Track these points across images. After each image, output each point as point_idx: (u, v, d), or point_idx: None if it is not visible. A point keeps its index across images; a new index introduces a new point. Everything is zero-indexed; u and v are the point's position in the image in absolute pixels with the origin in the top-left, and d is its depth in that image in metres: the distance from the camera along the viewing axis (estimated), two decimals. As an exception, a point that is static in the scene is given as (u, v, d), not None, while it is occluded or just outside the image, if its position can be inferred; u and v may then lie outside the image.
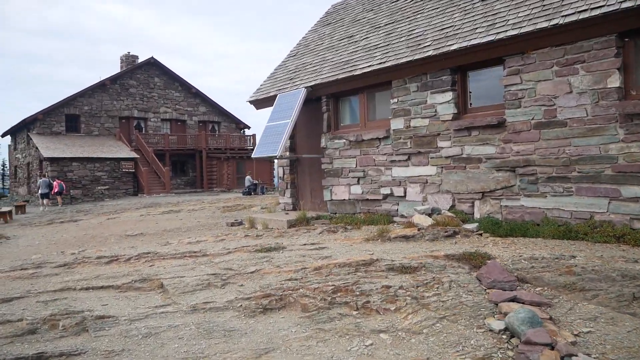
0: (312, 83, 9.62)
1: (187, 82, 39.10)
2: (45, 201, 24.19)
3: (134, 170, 32.05)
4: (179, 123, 39.22)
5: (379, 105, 9.16)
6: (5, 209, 19.11)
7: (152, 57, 37.41)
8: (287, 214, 9.91)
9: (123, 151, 32.62)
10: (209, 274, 5.22)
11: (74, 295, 5.16)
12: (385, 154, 8.64)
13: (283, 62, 11.92)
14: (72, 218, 17.34)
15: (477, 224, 6.86)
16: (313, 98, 9.92)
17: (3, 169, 50.52)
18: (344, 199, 9.39)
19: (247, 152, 38.34)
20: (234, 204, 15.72)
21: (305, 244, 6.75)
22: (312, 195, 10.34)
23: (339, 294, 4.23)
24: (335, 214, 9.55)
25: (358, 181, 9.12)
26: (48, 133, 33.22)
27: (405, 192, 8.31)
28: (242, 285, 4.88)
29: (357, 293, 4.21)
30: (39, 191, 24.41)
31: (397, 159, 8.40)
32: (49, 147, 30.59)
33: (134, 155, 32.33)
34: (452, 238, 6.47)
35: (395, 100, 8.43)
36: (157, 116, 37.83)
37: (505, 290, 4.06)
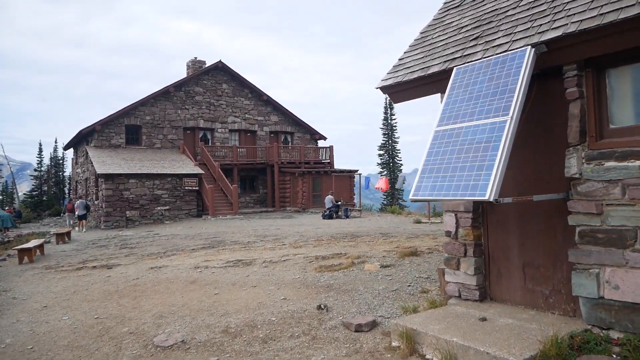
0: (548, 36, 4.30)
1: (257, 89, 34.84)
2: (84, 222, 24.22)
3: (197, 188, 27.86)
4: (249, 134, 34.96)
5: None
6: (33, 243, 15.06)
7: (220, 61, 33.44)
8: (482, 320, 4.57)
9: (186, 166, 28.56)
10: None
11: None
12: None
13: (438, 17, 6.63)
14: (109, 260, 12.86)
15: None
16: (536, 72, 4.58)
17: (70, 184, 48.62)
18: (646, 304, 3.94)
19: (323, 167, 33.46)
20: (328, 251, 10.54)
21: None
22: (528, 276, 4.92)
23: None
24: (608, 328, 4.13)
25: (697, 264, 3.67)
26: (106, 146, 29.78)
27: None
28: None
29: None
30: (76, 213, 24.31)
31: None
32: (104, 162, 26.98)
33: (198, 170, 28.17)
34: None
35: None
36: (225, 126, 33.75)
37: None
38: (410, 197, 4.47)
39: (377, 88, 6.07)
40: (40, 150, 52.12)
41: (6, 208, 41.76)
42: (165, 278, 9.48)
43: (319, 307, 6.17)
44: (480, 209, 5.32)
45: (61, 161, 53.06)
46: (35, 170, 51.99)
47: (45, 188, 52.02)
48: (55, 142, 54.14)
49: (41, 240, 15.99)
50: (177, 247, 13.77)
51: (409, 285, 7.11)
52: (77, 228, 24.03)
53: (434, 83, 5.44)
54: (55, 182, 52.85)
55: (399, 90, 5.95)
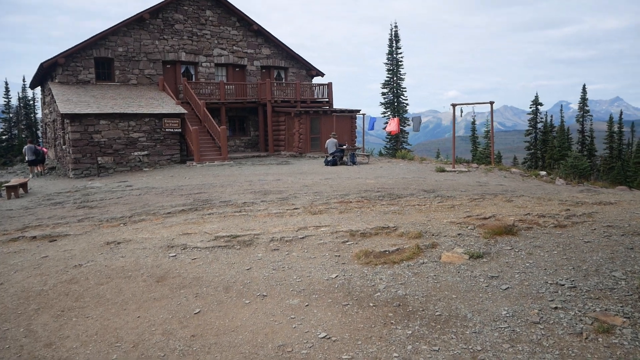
0: None
1: (247, 16, 30.46)
2: (35, 169, 23.22)
3: (180, 130, 24.20)
4: (237, 69, 30.90)
5: None
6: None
7: (203, -17, 28.84)
8: None
9: (167, 105, 24.75)
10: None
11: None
12: None
13: None
14: (55, 227, 9.49)
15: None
16: None
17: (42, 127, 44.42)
18: None
19: (321, 106, 29.74)
20: (366, 223, 7.17)
21: None
22: None
23: None
24: None
25: None
26: (73, 82, 25.73)
27: None
28: None
29: None
30: (26, 158, 23.21)
31: None
32: (70, 101, 23.07)
33: (180, 110, 24.41)
34: None
35: None
36: (210, 60, 29.61)
37: None
38: None
39: None
40: (7, 91, 47.47)
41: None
42: (121, 267, 6.14)
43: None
44: None
45: (31, 102, 48.49)
46: (3, 112, 47.58)
47: (16, 132, 47.82)
48: (24, 80, 49.24)
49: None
50: (148, 208, 10.37)
51: (555, 307, 3.81)
52: (30, 175, 22.94)
53: None
54: (26, 124, 48.53)
55: None
